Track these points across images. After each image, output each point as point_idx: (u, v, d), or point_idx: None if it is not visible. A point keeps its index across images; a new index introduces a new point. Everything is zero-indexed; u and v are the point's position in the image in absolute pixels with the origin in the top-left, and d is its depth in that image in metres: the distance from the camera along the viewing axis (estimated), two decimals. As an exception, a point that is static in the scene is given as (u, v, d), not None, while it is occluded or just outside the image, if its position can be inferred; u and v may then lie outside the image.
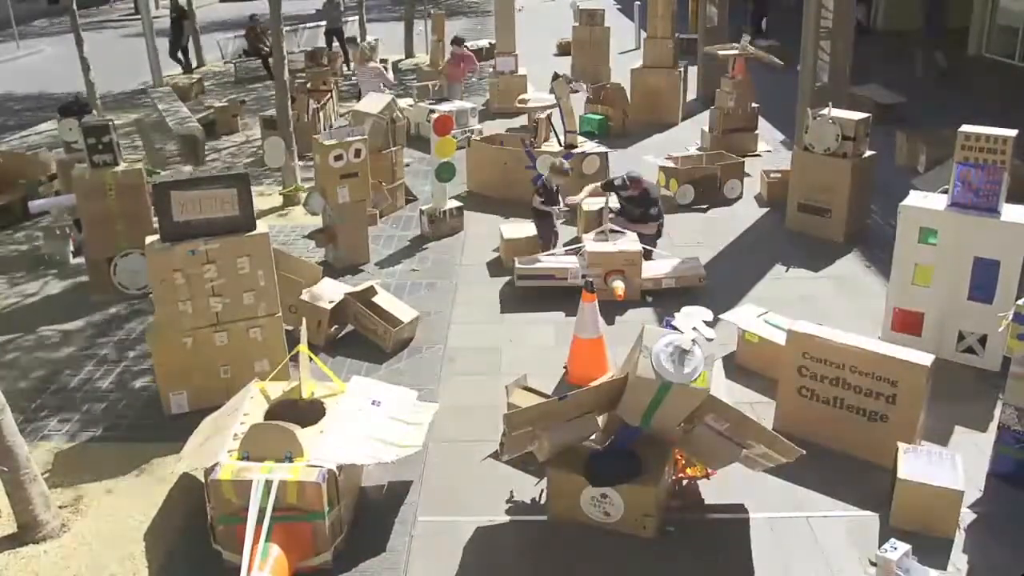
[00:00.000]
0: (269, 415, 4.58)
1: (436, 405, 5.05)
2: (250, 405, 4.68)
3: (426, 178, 10.33)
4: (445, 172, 8.49)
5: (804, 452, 4.29)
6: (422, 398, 5.58)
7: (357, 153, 7.54)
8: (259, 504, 3.94)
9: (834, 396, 4.92)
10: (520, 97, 12.22)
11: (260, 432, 4.21)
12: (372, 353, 6.18)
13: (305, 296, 6.30)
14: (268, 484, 4.00)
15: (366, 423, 4.52)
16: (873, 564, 4.06)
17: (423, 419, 4.76)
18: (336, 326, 6.49)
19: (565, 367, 5.87)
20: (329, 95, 12.83)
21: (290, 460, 4.12)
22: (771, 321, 5.80)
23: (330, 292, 6.42)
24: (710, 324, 4.98)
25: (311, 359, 4.87)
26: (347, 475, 4.32)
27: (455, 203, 8.69)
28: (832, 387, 4.92)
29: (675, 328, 4.40)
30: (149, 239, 5.42)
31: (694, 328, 4.50)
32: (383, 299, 6.44)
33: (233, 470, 4.13)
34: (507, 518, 4.53)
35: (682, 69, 12.65)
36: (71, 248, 8.17)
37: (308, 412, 4.59)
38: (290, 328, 5.93)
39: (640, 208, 7.49)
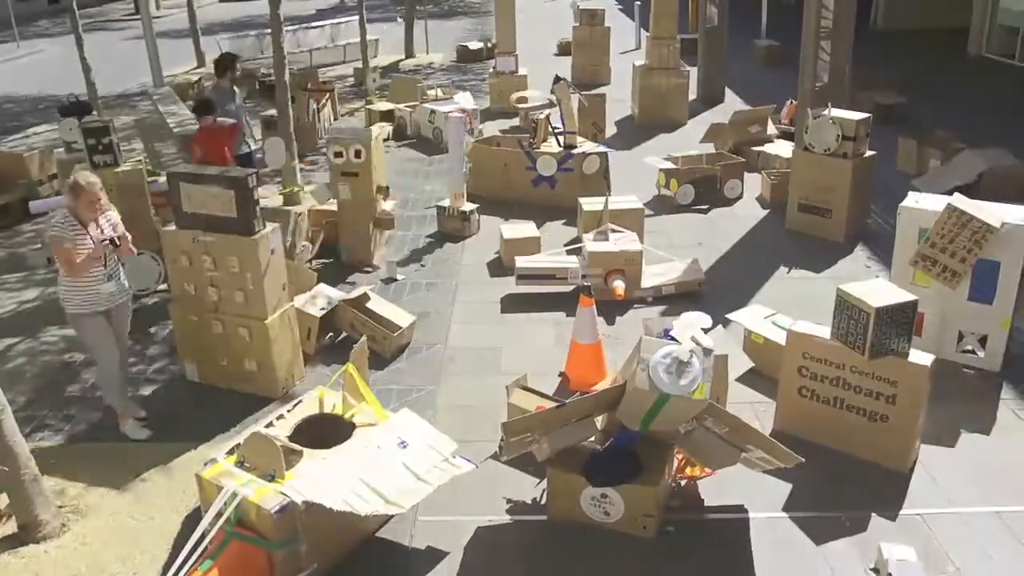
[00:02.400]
0: (306, 423, 4.57)
1: (468, 468, 4.46)
2: (295, 408, 4.69)
3: (426, 178, 10.37)
4: None
5: (803, 460, 4.28)
6: (422, 398, 5.61)
7: (357, 154, 7.55)
8: (219, 510, 3.92)
9: (834, 396, 4.92)
10: (518, 96, 12.25)
11: (256, 442, 4.17)
12: (371, 357, 6.16)
13: (297, 303, 6.28)
14: (234, 495, 3.96)
15: (371, 464, 4.21)
16: (875, 571, 4.06)
17: (436, 480, 4.27)
18: (331, 333, 6.48)
19: (561, 373, 5.86)
20: (329, 95, 12.84)
21: (271, 479, 4.04)
22: (779, 323, 5.79)
23: (323, 299, 6.41)
24: (708, 331, 4.97)
25: (345, 380, 4.72)
26: (335, 517, 3.98)
27: (470, 205, 8.62)
28: (832, 387, 4.92)
29: (673, 338, 4.39)
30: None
31: (692, 338, 4.49)
32: (377, 305, 6.41)
33: (218, 471, 4.14)
34: (507, 518, 4.53)
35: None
36: (49, 255, 8.20)
37: (340, 433, 4.47)
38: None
39: None
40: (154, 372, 6.14)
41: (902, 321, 4.62)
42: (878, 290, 4.73)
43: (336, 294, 6.52)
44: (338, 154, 7.61)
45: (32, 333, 6.87)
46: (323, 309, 6.32)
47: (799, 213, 8.19)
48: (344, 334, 6.43)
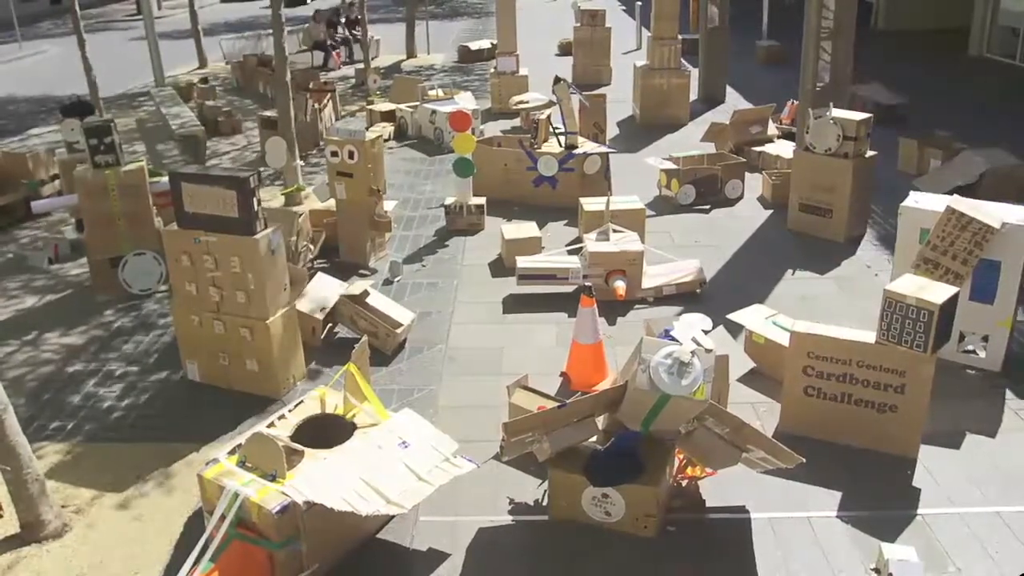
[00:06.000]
0: (308, 423, 4.57)
1: (469, 468, 4.45)
2: (297, 408, 4.69)
3: (426, 178, 10.39)
4: (464, 167, 8.55)
5: (804, 460, 4.28)
6: (423, 398, 5.62)
7: (351, 154, 7.56)
8: (222, 512, 3.92)
9: (842, 392, 4.94)
10: (517, 98, 12.26)
11: (258, 442, 4.17)
12: (372, 354, 6.17)
13: (299, 306, 6.28)
14: (236, 496, 3.96)
15: (372, 463, 4.22)
16: (875, 571, 4.07)
17: (437, 480, 4.27)
18: (337, 330, 6.50)
19: (562, 374, 5.86)
20: (329, 95, 12.86)
21: (273, 479, 4.04)
22: (779, 323, 5.80)
23: (324, 295, 6.43)
24: (708, 332, 5.01)
25: (349, 380, 4.70)
26: (336, 517, 3.99)
27: (477, 200, 8.73)
28: (839, 383, 4.93)
29: (673, 339, 4.39)
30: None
31: (693, 339, 4.49)
32: (377, 301, 6.42)
33: (219, 471, 4.14)
34: (507, 518, 4.54)
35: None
36: (50, 255, 8.24)
37: (341, 433, 4.47)
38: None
39: None
40: (155, 372, 6.15)
41: (952, 311, 4.70)
42: (921, 287, 4.73)
43: (335, 283, 6.53)
44: (334, 153, 7.64)
45: (34, 331, 6.88)
46: (324, 310, 6.34)
47: (800, 213, 8.19)
48: (346, 331, 6.45)
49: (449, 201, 8.75)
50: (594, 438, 4.53)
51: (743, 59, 15.92)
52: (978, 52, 16.71)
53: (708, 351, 4.17)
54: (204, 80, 16.17)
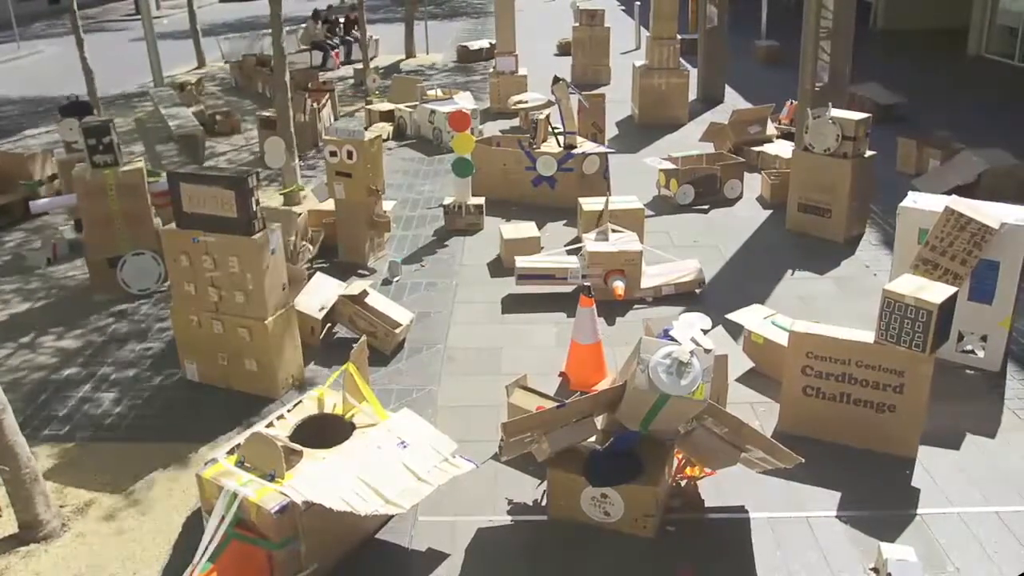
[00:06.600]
0: (306, 423, 4.56)
1: (468, 468, 4.44)
2: (296, 408, 4.69)
3: (425, 178, 10.38)
4: (463, 167, 8.55)
5: (803, 460, 4.28)
6: (422, 398, 5.62)
7: (350, 154, 7.56)
8: (221, 512, 3.92)
9: (841, 392, 4.94)
10: (516, 98, 12.27)
11: (257, 442, 4.17)
12: (371, 354, 6.16)
13: (298, 306, 6.28)
14: (234, 496, 3.96)
15: (371, 463, 4.21)
16: (874, 571, 4.07)
17: (436, 480, 4.27)
18: (336, 330, 6.50)
19: (561, 374, 5.86)
20: (328, 95, 12.86)
21: (271, 479, 4.04)
22: (778, 323, 5.80)
23: (323, 295, 6.42)
24: (707, 332, 5.02)
25: (347, 379, 4.70)
26: (334, 517, 3.99)
27: (476, 200, 8.73)
28: (838, 383, 4.94)
29: (672, 339, 4.39)
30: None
31: (692, 339, 4.49)
32: (376, 301, 6.42)
33: (218, 471, 4.14)
34: (507, 518, 4.53)
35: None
36: (49, 255, 8.23)
37: (340, 433, 4.47)
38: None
39: None
40: (154, 372, 6.14)
41: (950, 311, 4.70)
42: (920, 287, 4.72)
43: (334, 283, 6.53)
44: (333, 153, 7.65)
45: (33, 331, 6.87)
46: (323, 309, 6.33)
47: (799, 213, 8.19)
48: (345, 332, 6.44)
49: (448, 201, 8.75)
50: (593, 438, 4.53)
51: (742, 59, 15.92)
52: (977, 52, 16.73)
53: (707, 351, 4.17)
54: (199, 81, 16.14)
